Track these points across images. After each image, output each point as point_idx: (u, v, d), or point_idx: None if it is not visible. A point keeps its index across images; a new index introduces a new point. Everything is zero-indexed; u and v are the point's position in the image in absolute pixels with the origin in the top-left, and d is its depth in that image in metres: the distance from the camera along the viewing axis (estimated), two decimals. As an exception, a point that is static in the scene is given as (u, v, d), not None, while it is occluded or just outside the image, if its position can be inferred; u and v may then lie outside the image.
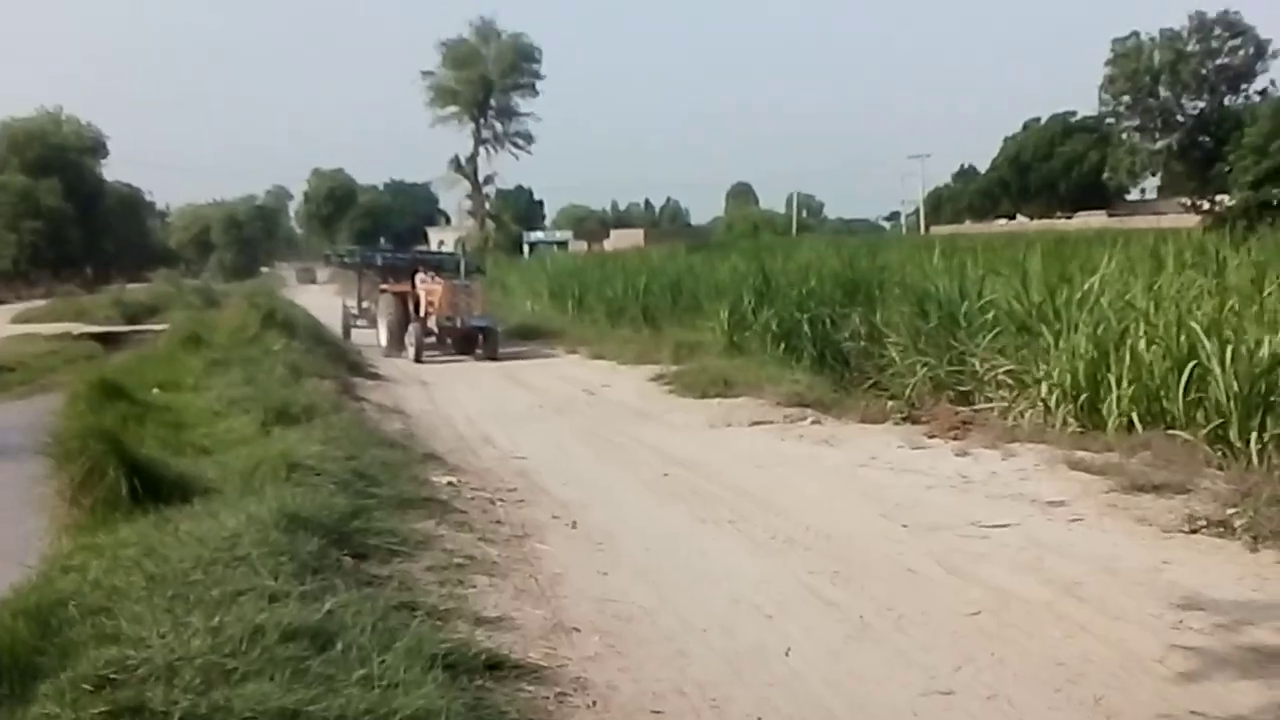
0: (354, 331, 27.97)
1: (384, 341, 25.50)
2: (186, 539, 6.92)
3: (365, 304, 29.14)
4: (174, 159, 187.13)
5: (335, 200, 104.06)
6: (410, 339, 24.06)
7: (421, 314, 24.99)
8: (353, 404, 15.12)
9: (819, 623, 6.66)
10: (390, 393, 18.12)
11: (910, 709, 5.37)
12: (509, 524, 9.05)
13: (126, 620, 5.50)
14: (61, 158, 77.67)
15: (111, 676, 4.76)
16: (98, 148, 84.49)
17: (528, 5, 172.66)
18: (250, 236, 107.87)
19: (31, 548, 7.82)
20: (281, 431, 11.11)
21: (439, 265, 27.26)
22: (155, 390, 14.71)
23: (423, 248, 41.81)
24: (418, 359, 23.48)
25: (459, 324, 24.23)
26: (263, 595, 5.86)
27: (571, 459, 12.17)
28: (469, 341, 24.64)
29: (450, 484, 10.25)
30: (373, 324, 27.39)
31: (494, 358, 23.72)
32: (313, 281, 77.17)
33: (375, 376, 20.69)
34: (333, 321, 28.57)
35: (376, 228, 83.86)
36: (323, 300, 41.20)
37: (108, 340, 31.55)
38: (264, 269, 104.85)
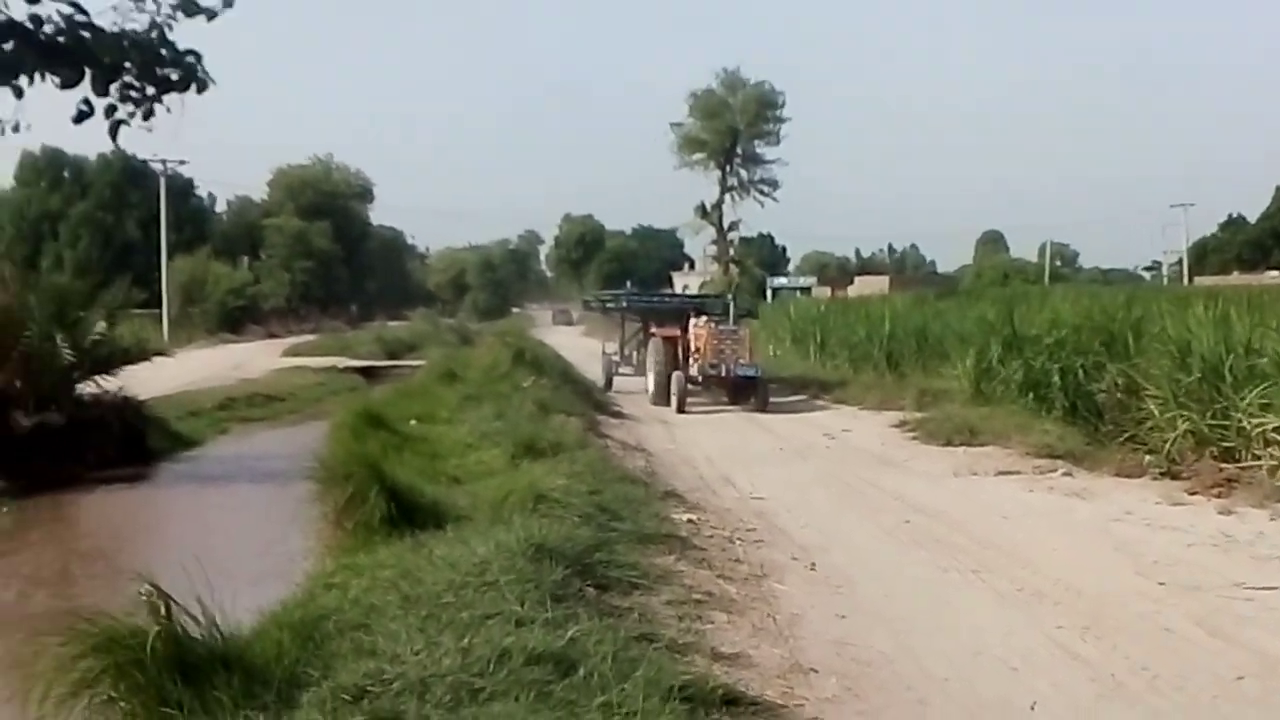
0: (617, 380, 26.33)
1: (651, 389, 23.36)
2: (439, 563, 7.23)
3: (629, 350, 27.62)
4: (435, 205, 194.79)
5: (584, 245, 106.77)
6: (674, 388, 22.00)
7: (682, 363, 23.11)
8: (597, 440, 15.41)
9: (1067, 679, 6.44)
10: (633, 431, 18.41)
11: (1164, 773, 5.14)
12: (747, 563, 9.07)
13: (383, 637, 5.78)
14: (332, 203, 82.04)
15: (368, 688, 5.00)
16: (365, 193, 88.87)
17: (772, 53, 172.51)
18: (503, 279, 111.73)
19: (297, 566, 8.27)
20: (529, 464, 11.43)
21: (704, 308, 25.35)
22: (413, 422, 15.37)
23: (667, 291, 39.79)
24: (680, 409, 21.60)
25: (724, 372, 22.20)
26: (510, 620, 6.05)
27: (811, 502, 12.09)
28: (738, 391, 22.71)
29: (690, 521, 10.34)
30: (639, 371, 25.73)
31: (763, 410, 21.66)
32: (568, 323, 78.97)
33: (619, 415, 21.07)
34: (582, 361, 29.09)
35: (623, 271, 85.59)
36: (573, 341, 42.20)
37: (369, 374, 33.14)
38: (515, 309, 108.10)
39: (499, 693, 4.99)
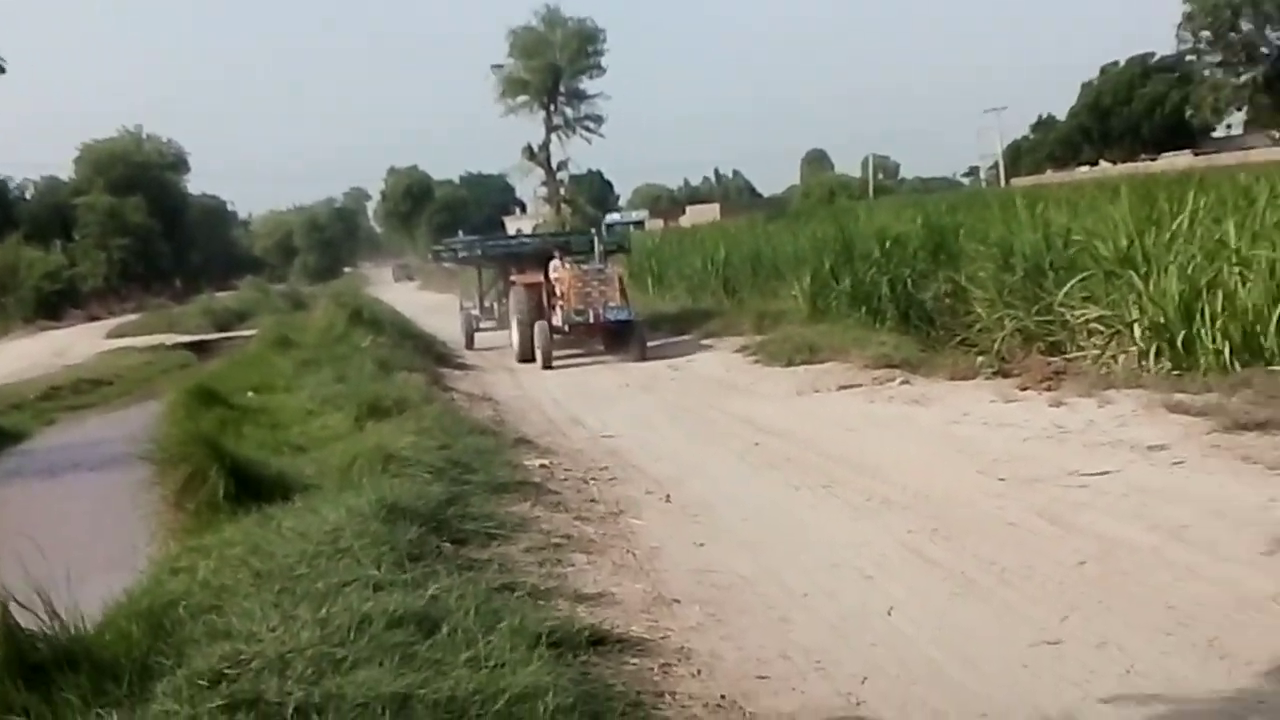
0: (480, 337, 24.06)
1: (515, 344, 20.65)
2: (289, 535, 7.08)
3: (489, 302, 25.49)
4: (252, 169, 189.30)
5: (412, 197, 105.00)
6: (538, 341, 19.32)
7: (548, 311, 20.57)
8: (442, 394, 15.29)
9: (921, 581, 6.62)
10: (478, 381, 18.29)
11: (1019, 661, 5.31)
12: (603, 502, 9.11)
13: (236, 616, 5.62)
14: (145, 175, 78.98)
15: (225, 671, 4.86)
16: (179, 163, 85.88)
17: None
18: (331, 238, 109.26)
19: (140, 552, 8.02)
20: (375, 425, 11.25)
21: (568, 247, 22.11)
22: (250, 393, 15.00)
23: (526, 233, 35.65)
24: (546, 364, 19.09)
25: (592, 318, 19.46)
26: (367, 585, 5.96)
27: (661, 435, 12.19)
28: (613, 339, 20.06)
29: (543, 466, 10.33)
30: (502, 324, 23.13)
31: (642, 358, 19.04)
32: (410, 279, 77.67)
33: (463, 366, 20.88)
34: (419, 315, 28.63)
35: (454, 221, 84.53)
36: (410, 297, 41.60)
37: (200, 348, 32.13)
38: (347, 269, 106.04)
39: (362, 660, 4.91)
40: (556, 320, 20.00)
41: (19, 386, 22.94)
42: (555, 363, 19.28)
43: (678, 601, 6.54)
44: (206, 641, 5.29)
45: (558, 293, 20.35)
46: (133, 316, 52.38)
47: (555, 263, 20.86)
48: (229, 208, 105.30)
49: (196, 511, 8.47)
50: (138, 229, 74.45)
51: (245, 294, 60.18)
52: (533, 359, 19.40)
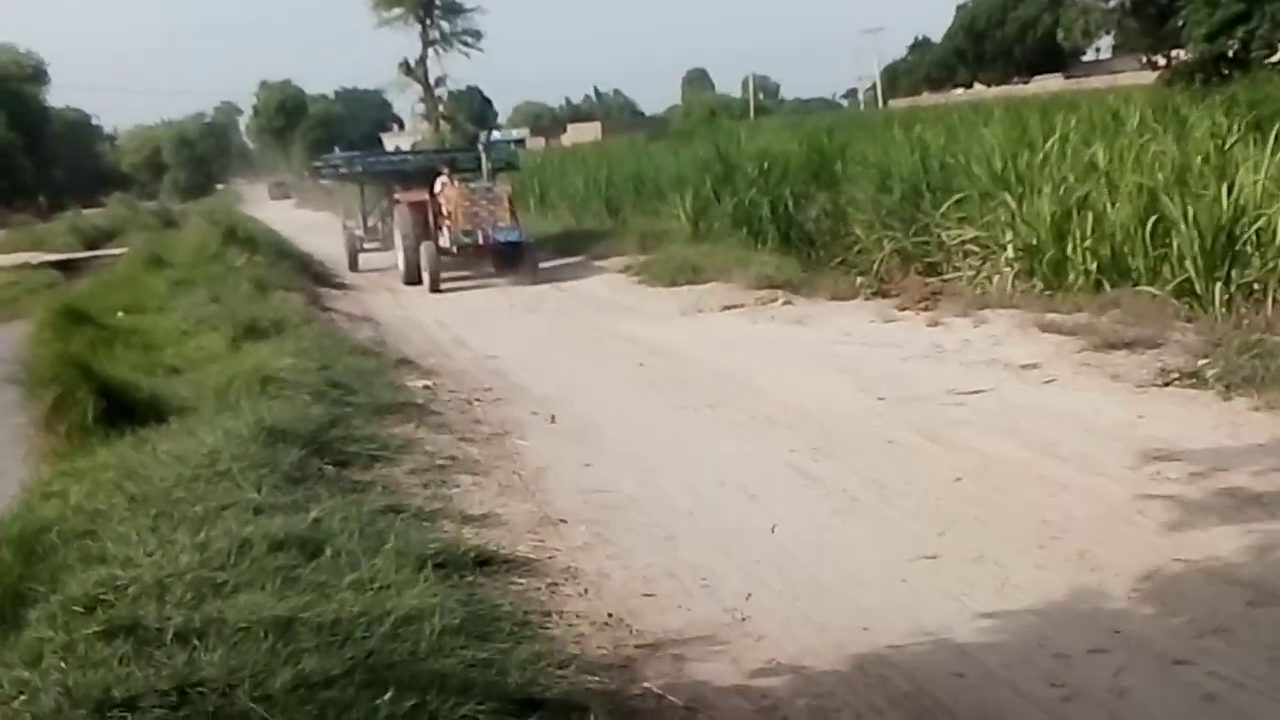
0: (364, 258, 22.82)
1: (401, 266, 19.70)
2: (166, 458, 6.88)
3: (373, 221, 23.87)
4: (118, 81, 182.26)
5: (286, 113, 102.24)
6: (424, 262, 18.45)
7: (434, 231, 19.50)
8: (322, 315, 15.00)
9: (803, 499, 6.70)
10: (359, 301, 18.00)
11: (899, 576, 5.41)
12: (488, 423, 9.04)
13: (112, 541, 5.47)
14: (3, 87, 75.77)
15: (102, 597, 4.73)
16: (39, 74, 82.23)
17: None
18: (203, 155, 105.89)
19: (9, 477, 7.76)
20: (252, 346, 11.00)
21: (455, 164, 20.66)
22: (120, 314, 14.55)
23: (410, 150, 32.72)
24: (434, 287, 18.30)
25: (480, 239, 18.44)
26: (247, 508, 5.84)
27: (546, 355, 12.13)
28: (503, 260, 19.12)
29: (426, 387, 10.22)
30: (387, 245, 22.00)
31: (533, 280, 18.32)
32: (286, 197, 75.69)
33: (343, 286, 20.49)
34: (296, 234, 28.01)
35: (330, 138, 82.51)
36: (287, 214, 40.67)
37: (67, 267, 30.85)
38: (219, 186, 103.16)
39: (243, 584, 4.80)
40: (443, 241, 18.91)
41: None
42: (443, 285, 18.49)
43: (564, 521, 6.53)
44: (81, 567, 5.15)
45: (444, 212, 19.23)
46: (-7, 234, 50.42)
47: (442, 180, 19.62)
48: (94, 122, 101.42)
49: (68, 435, 8.21)
50: (-3, 142, 71.51)
51: (113, 211, 58.10)
52: (419, 281, 18.57)
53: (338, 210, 45.70)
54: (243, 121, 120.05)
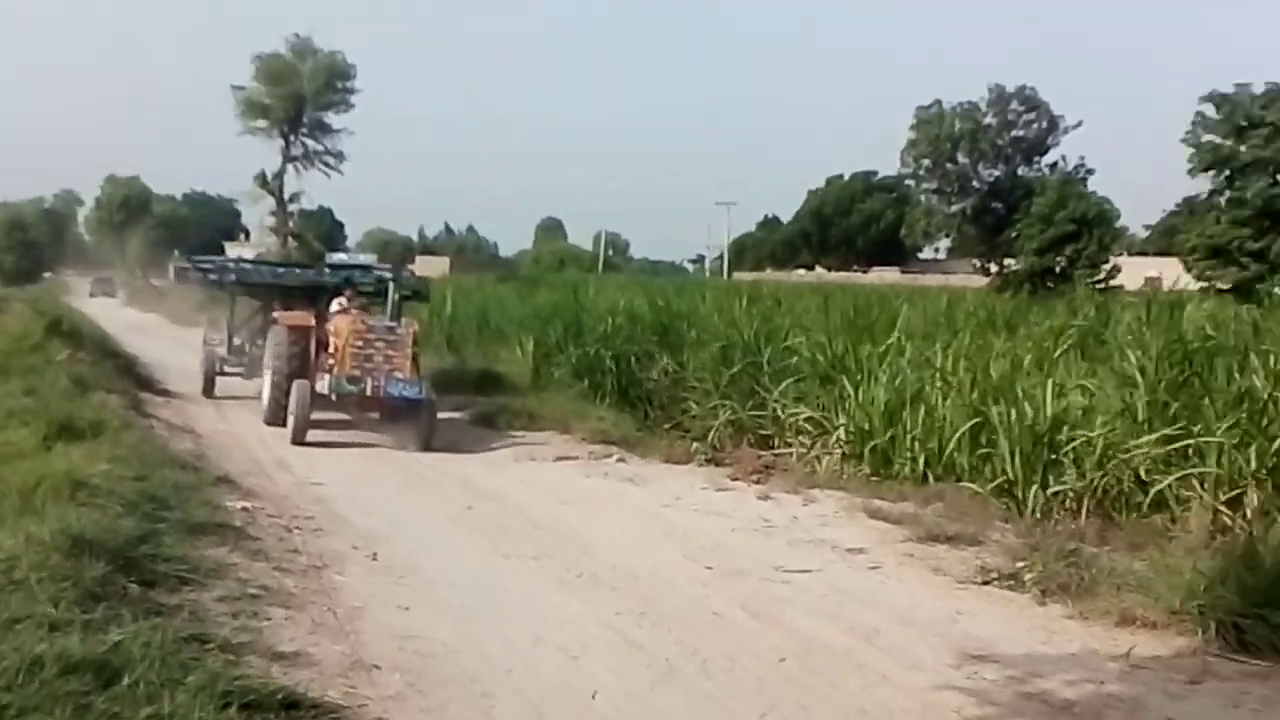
0: (222, 381, 18.99)
1: (266, 403, 15.80)
2: (-43, 561, 6.44)
3: (241, 339, 19.64)
4: None
5: (129, 208, 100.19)
6: (294, 406, 14.35)
7: (314, 367, 15.35)
8: (142, 421, 14.33)
9: (625, 665, 6.56)
10: (181, 411, 17.21)
11: (717, 757, 5.32)
12: (306, 554, 8.66)
13: (-113, 649, 5.07)
14: None
15: None
16: None
17: (343, 22, 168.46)
18: (35, 240, 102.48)
19: None
20: (65, 447, 10.41)
21: (353, 282, 17.05)
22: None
23: (339, 256, 24.61)
24: (297, 440, 14.21)
25: (367, 390, 14.49)
26: (41, 624, 5.45)
27: (372, 488, 11.76)
28: (394, 415, 15.07)
29: (244, 509, 9.77)
30: (253, 372, 17.93)
31: (427, 446, 14.24)
32: (109, 295, 72.73)
33: (165, 393, 19.70)
34: (120, 333, 26.94)
35: (172, 239, 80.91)
36: (114, 313, 39.40)
37: None
38: (47, 275, 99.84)
39: (30, 708, 4.47)
40: (321, 385, 14.62)
41: None
42: (309, 438, 14.45)
43: (378, 667, 6.25)
44: None
45: (330, 346, 15.33)
46: None
47: (338, 302, 16.23)
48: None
49: None
50: None
51: (-70, 288, 55.81)
52: (282, 424, 14.89)
53: (167, 312, 44.75)
54: (82, 212, 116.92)
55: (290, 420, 14.36)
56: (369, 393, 14.48)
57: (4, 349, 18.53)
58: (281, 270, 19.21)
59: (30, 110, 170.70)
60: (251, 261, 22.14)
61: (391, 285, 15.87)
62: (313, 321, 16.11)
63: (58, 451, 10.22)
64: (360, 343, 14.61)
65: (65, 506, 7.89)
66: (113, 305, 59.27)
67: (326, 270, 18.93)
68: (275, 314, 17.06)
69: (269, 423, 15.36)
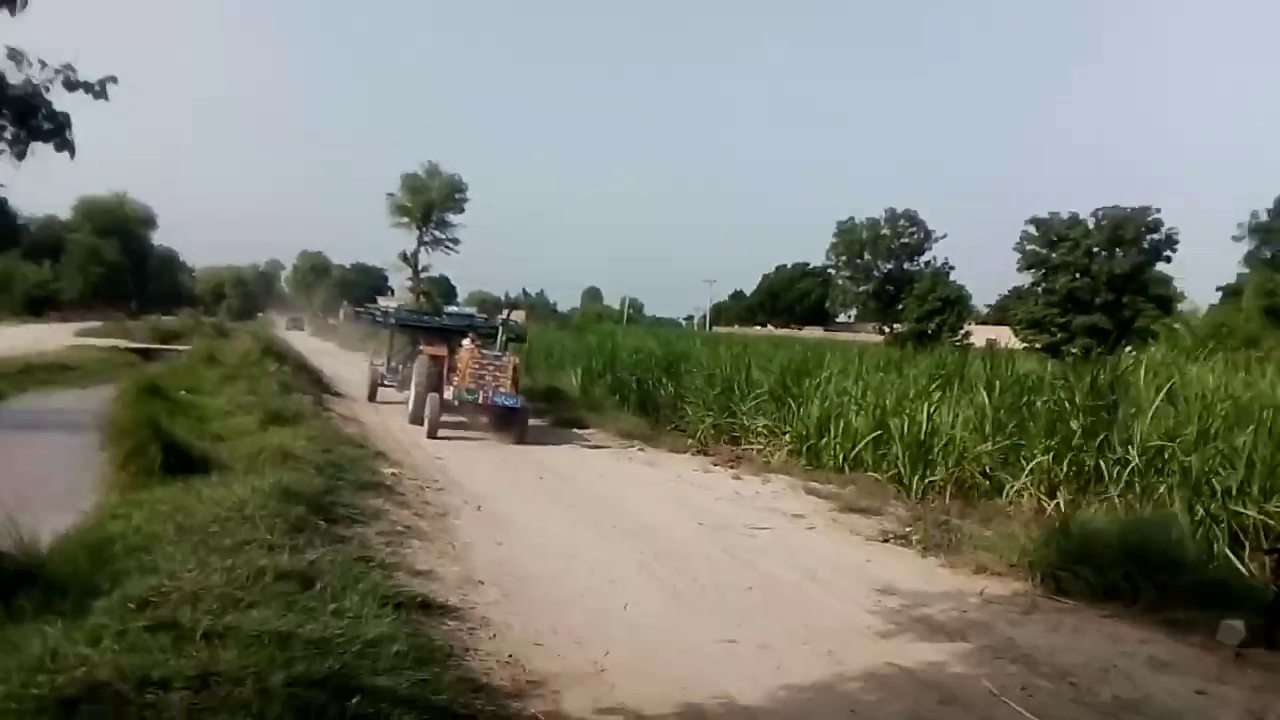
0: (380, 392, 18.47)
1: (410, 407, 15.09)
2: (207, 501, 6.48)
3: (395, 363, 19.07)
4: (205, 231, 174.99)
5: (315, 272, 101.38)
6: (427, 410, 14.12)
7: (444, 385, 14.95)
8: (324, 414, 14.34)
9: (648, 589, 6.52)
10: (350, 408, 17.19)
11: (709, 652, 5.25)
12: (434, 505, 8.65)
13: (162, 558, 5.10)
14: (122, 225, 73.13)
15: (151, 599, 4.37)
16: (148, 220, 79.74)
17: (462, 154, 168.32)
18: (252, 292, 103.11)
19: (89, 500, 7.18)
20: (276, 429, 10.47)
21: (475, 327, 16.79)
22: (183, 392, 13.77)
23: (441, 311, 23.60)
24: (431, 434, 13.74)
25: (481, 399, 14.31)
26: (263, 546, 5.49)
27: (477, 463, 11.69)
28: (499, 420, 14.68)
29: (393, 474, 9.78)
30: (404, 386, 17.20)
31: (520, 441, 13.90)
32: (299, 329, 72.81)
33: (338, 395, 19.67)
34: (309, 353, 26.86)
35: (343, 294, 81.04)
36: (305, 343, 39.31)
37: (145, 354, 29.29)
38: (260, 314, 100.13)
39: (256, 602, 4.47)
40: (448, 394, 14.49)
41: (2, 362, 20.45)
42: (440, 433, 13.93)
43: (482, 583, 6.23)
44: (137, 574, 4.76)
45: (456, 369, 14.95)
46: (96, 324, 47.70)
47: (466, 342, 15.41)
48: (180, 258, 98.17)
49: (136, 474, 7.66)
50: (110, 262, 68.68)
51: (184, 320, 55.76)
52: (422, 423, 14.24)
53: (338, 341, 44.67)
54: (284, 274, 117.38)
55: (426, 421, 13.91)
56: (481, 401, 14.20)
57: (233, 363, 18.63)
58: (427, 317, 18.72)
59: (252, 201, 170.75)
60: (407, 310, 21.54)
61: (501, 329, 15.92)
62: (445, 353, 15.61)
63: (271, 431, 10.28)
64: (476, 366, 14.37)
65: (277, 468, 7.93)
66: (301, 336, 59.26)
67: (446, 317, 18.76)
68: (421, 347, 16.45)
69: (412, 421, 14.72)
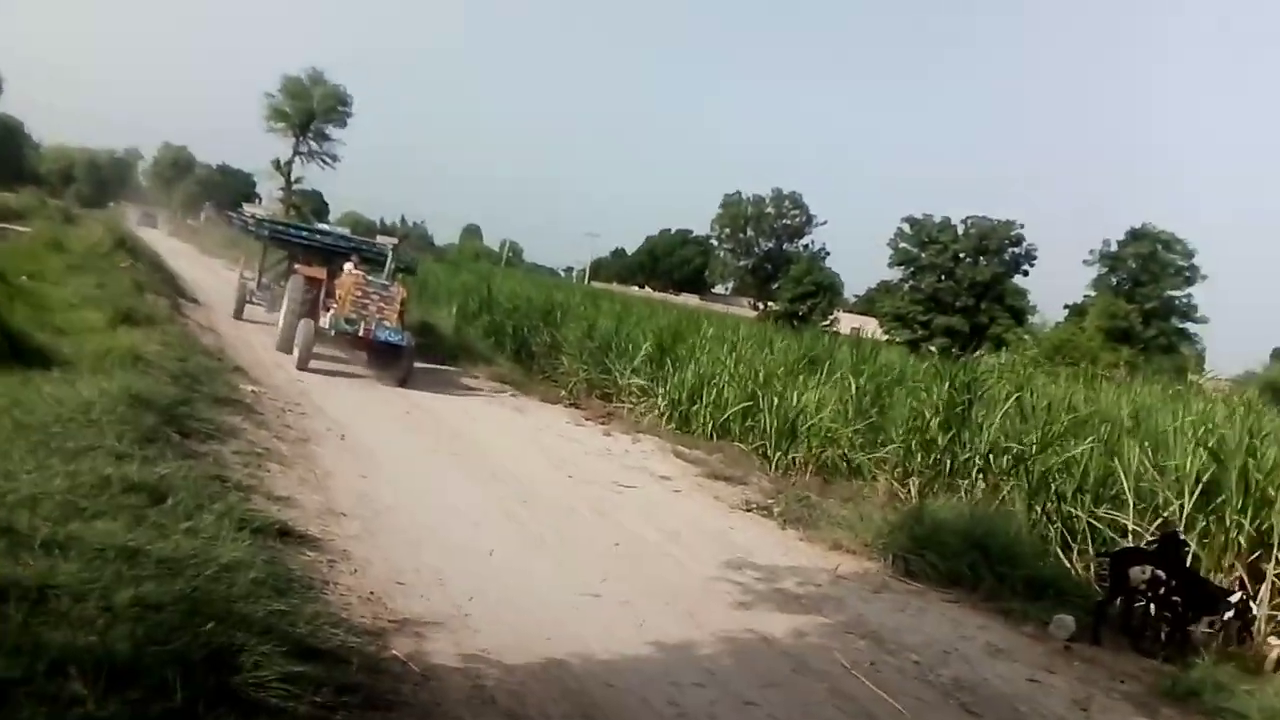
0: (248, 309, 16.69)
1: (280, 331, 13.45)
2: (49, 399, 5.99)
3: (267, 279, 17.09)
4: (59, 104, 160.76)
5: (176, 167, 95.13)
6: (299, 338, 12.46)
7: (320, 311, 13.28)
8: (180, 319, 13.50)
9: (510, 534, 6.45)
10: (207, 316, 16.24)
11: (573, 604, 5.24)
12: (295, 429, 8.29)
13: (-5, 455, 4.64)
14: (-42, 84, 66.47)
15: (-19, 500, 3.98)
16: (-8, 83, 72.73)
17: (351, 70, 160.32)
18: (105, 179, 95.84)
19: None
20: (127, 330, 9.79)
21: (360, 251, 14.72)
22: (23, 278, 12.69)
23: (327, 227, 18.78)
24: (301, 365, 12.17)
25: (360, 331, 12.60)
26: (110, 454, 5.13)
27: (341, 392, 11.25)
28: (379, 357, 13.20)
29: (253, 392, 9.30)
30: (274, 306, 15.53)
31: (404, 383, 12.46)
32: (152, 227, 68.07)
33: (195, 301, 18.55)
34: (164, 255, 25.24)
35: (205, 195, 76.54)
36: (164, 242, 36.97)
37: (-22, 232, 26.92)
38: (111, 204, 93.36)
39: (101, 513, 4.16)
40: (324, 322, 12.82)
41: None
42: (315, 366, 12.47)
43: (344, 515, 6.01)
44: (-35, 472, 4.33)
45: (336, 294, 13.27)
46: (-77, 191, 43.42)
47: (349, 266, 13.76)
48: (25, 130, 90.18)
49: (-35, 361, 7.00)
50: (-57, 125, 62.42)
51: (25, 199, 51.39)
52: (290, 352, 12.63)
53: (198, 244, 42.24)
54: (141, 165, 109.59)
55: (296, 350, 12.36)
56: (361, 334, 12.59)
57: (81, 252, 17.35)
58: (308, 231, 16.44)
59: (113, 75, 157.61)
60: (285, 222, 19.05)
61: (390, 255, 14.20)
62: (324, 275, 13.83)
63: (121, 332, 9.61)
64: (359, 293, 12.75)
65: (127, 371, 7.43)
66: (156, 235, 55.64)
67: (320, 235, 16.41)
68: (297, 266, 14.69)
69: (279, 348, 13.12)
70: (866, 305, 65.30)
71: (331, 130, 60.77)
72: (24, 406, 5.65)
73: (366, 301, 12.72)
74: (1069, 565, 7.52)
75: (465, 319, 19.30)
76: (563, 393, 13.97)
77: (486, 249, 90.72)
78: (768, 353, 14.31)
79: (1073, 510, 8.21)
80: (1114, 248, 50.67)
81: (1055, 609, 6.28)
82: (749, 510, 8.40)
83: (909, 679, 4.99)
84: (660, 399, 12.81)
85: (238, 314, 16.51)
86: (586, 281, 71.06)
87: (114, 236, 20.36)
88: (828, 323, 50.90)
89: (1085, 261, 51.76)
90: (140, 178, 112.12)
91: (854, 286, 72.18)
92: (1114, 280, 49.72)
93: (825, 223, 67.30)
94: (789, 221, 66.52)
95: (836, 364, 13.56)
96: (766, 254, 66.19)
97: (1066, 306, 52.58)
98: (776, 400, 11.22)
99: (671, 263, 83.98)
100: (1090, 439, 9.05)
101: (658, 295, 64.00)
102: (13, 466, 4.42)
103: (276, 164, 60.83)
